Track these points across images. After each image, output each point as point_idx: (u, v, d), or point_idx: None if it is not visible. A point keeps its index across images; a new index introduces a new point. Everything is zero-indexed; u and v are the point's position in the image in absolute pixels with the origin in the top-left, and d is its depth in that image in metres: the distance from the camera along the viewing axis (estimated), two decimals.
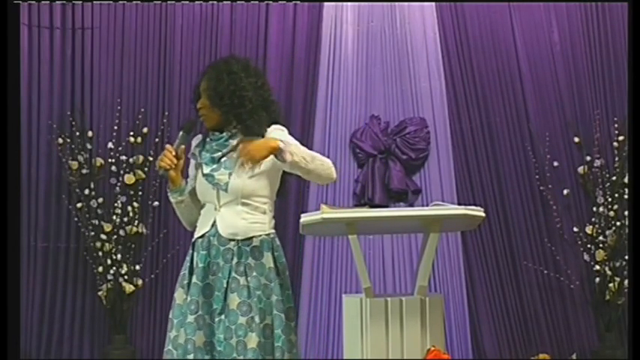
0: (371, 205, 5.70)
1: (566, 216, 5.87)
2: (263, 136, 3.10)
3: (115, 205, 5.69)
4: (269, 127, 3.17)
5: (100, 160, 5.72)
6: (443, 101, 5.91)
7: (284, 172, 3.19)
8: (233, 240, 3.10)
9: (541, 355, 5.77)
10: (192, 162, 3.27)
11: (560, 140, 5.94)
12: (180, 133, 3.23)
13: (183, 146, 3.20)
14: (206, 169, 3.16)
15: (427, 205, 5.38)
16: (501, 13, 6.01)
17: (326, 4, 5.96)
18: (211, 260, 3.11)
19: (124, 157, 5.71)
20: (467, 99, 5.97)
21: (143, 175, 5.73)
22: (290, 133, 3.20)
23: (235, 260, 3.08)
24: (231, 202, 3.12)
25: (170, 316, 3.14)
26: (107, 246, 5.63)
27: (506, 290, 5.86)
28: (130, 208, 5.69)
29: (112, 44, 5.83)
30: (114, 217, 5.67)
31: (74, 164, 5.67)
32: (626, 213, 5.61)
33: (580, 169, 5.89)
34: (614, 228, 5.75)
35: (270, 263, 3.12)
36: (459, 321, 5.75)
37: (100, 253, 5.63)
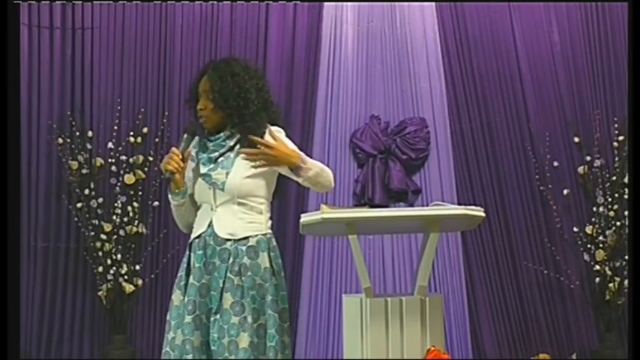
0: (371, 205, 5.70)
1: (566, 216, 5.87)
2: (262, 137, 3.10)
3: (115, 205, 5.69)
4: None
5: (100, 160, 5.72)
6: (443, 101, 5.91)
7: (280, 173, 3.19)
8: (229, 240, 3.10)
9: (541, 355, 5.77)
10: (190, 163, 3.27)
11: (560, 140, 5.94)
12: (185, 135, 3.20)
13: (189, 149, 3.18)
14: (203, 169, 3.16)
15: (427, 205, 5.38)
16: (501, 13, 6.01)
17: (326, 4, 5.96)
18: (207, 260, 3.11)
19: (124, 157, 5.71)
20: (467, 99, 5.97)
21: (143, 175, 5.73)
22: (289, 134, 3.20)
23: (231, 260, 3.08)
24: (227, 202, 3.12)
25: (168, 317, 3.14)
26: (107, 246, 5.63)
27: (506, 290, 5.86)
28: (130, 208, 5.69)
29: (112, 44, 5.83)
30: (114, 217, 5.67)
31: (74, 164, 5.67)
32: (626, 213, 5.61)
33: (580, 169, 5.89)
34: (614, 228, 5.75)
35: (266, 263, 3.11)
36: (459, 321, 5.75)
37: (100, 253, 5.63)
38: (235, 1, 5.90)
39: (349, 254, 5.44)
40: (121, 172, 5.71)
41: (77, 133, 5.71)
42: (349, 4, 5.99)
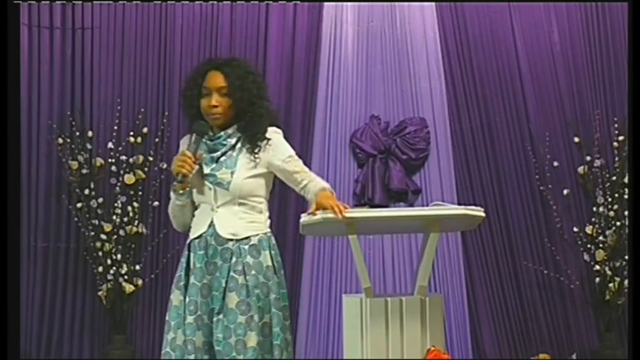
0: (371, 205, 5.70)
1: (566, 216, 5.87)
2: (264, 137, 3.13)
3: (115, 205, 5.68)
4: None
5: (100, 160, 5.72)
6: (443, 101, 5.90)
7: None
8: (231, 239, 3.10)
9: (541, 355, 5.77)
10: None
11: (560, 140, 5.94)
12: (194, 136, 3.17)
13: (200, 151, 3.16)
14: (206, 169, 3.15)
15: (427, 205, 5.38)
16: (501, 13, 6.01)
17: (326, 4, 5.96)
18: (209, 260, 3.11)
19: (124, 157, 5.71)
20: (467, 99, 5.97)
21: (143, 175, 5.73)
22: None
23: (234, 259, 3.08)
24: (228, 203, 3.12)
25: (167, 317, 3.14)
26: (107, 246, 5.63)
27: (506, 290, 5.86)
28: (130, 208, 5.69)
29: (112, 44, 5.82)
30: (114, 217, 5.67)
31: (74, 164, 5.67)
32: (626, 213, 5.61)
33: (580, 169, 5.89)
34: (614, 228, 5.75)
35: (268, 261, 3.12)
36: (459, 321, 5.75)
37: (100, 253, 5.63)
38: (235, 1, 5.90)
39: (349, 254, 5.43)
40: (121, 172, 5.71)
41: (77, 133, 5.70)
42: (349, 4, 5.98)
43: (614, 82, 5.93)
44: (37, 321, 5.64)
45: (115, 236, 5.66)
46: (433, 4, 5.96)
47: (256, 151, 3.15)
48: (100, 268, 5.62)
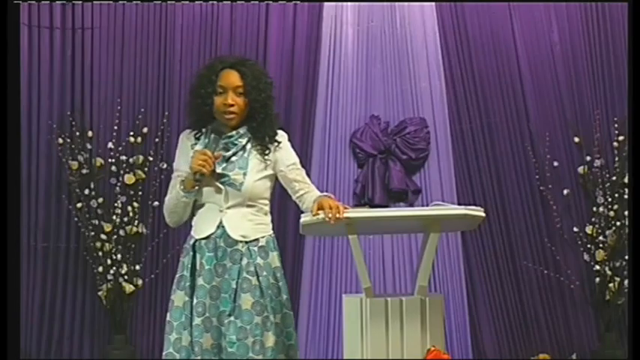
0: (371, 205, 5.70)
1: (566, 216, 5.87)
2: (275, 138, 3.17)
3: (115, 205, 5.68)
4: None
5: (100, 160, 5.72)
6: (443, 101, 5.90)
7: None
8: (241, 241, 3.10)
9: (541, 355, 5.77)
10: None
11: (560, 140, 5.94)
12: (212, 136, 3.17)
13: (219, 152, 3.15)
14: (218, 169, 3.13)
15: (427, 205, 5.38)
16: (501, 13, 6.01)
17: (326, 4, 5.96)
18: (218, 262, 3.10)
19: (124, 157, 5.71)
20: (467, 99, 5.96)
21: (143, 175, 5.73)
22: (289, 135, 3.23)
23: (245, 261, 3.08)
24: (238, 204, 3.11)
25: (168, 318, 3.12)
26: (107, 246, 5.63)
27: (506, 290, 5.85)
28: (130, 208, 5.68)
29: (112, 44, 5.82)
30: (114, 217, 5.67)
31: (74, 164, 5.67)
32: (626, 213, 5.61)
33: (580, 169, 5.89)
34: (614, 228, 5.75)
35: (276, 262, 3.15)
36: (459, 321, 5.75)
37: (100, 253, 5.63)
38: (235, 1, 5.90)
39: (349, 254, 5.43)
40: (121, 172, 5.71)
41: (77, 133, 5.70)
42: (349, 4, 5.98)
43: (614, 82, 5.93)
44: (37, 321, 5.64)
45: (115, 236, 5.66)
46: (433, 4, 5.95)
47: (267, 152, 3.15)
48: (100, 268, 5.62)
